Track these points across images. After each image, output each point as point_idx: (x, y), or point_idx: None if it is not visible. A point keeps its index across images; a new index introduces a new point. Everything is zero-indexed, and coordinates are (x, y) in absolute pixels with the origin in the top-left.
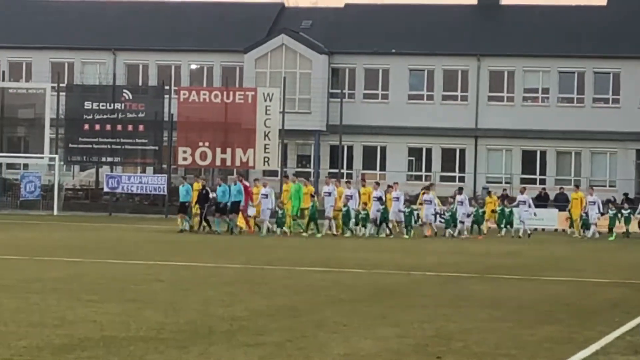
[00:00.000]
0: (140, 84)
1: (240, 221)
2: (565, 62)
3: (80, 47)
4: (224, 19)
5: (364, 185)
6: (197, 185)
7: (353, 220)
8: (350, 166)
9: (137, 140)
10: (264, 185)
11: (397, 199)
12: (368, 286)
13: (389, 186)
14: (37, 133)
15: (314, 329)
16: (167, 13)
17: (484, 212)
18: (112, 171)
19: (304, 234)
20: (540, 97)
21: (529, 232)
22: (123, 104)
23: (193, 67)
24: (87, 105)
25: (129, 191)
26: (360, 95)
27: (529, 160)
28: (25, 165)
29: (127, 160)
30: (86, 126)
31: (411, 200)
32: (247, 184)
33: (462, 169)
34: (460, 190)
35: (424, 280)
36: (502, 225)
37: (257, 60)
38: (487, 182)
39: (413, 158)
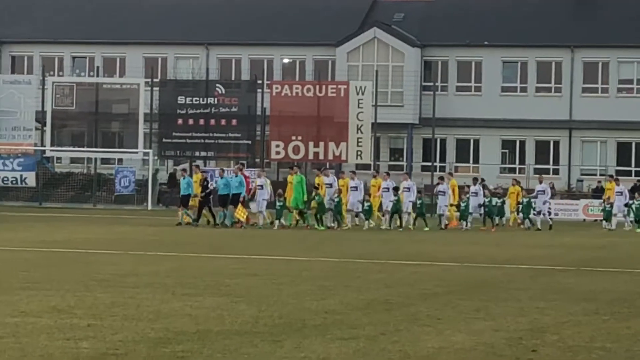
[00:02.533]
0: (233, 78)
1: (241, 214)
2: None
3: (173, 42)
4: (316, 12)
5: (374, 177)
6: (197, 177)
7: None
8: (443, 159)
9: (230, 135)
10: (259, 176)
11: (408, 189)
12: (461, 279)
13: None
14: (131, 128)
15: (408, 322)
16: (260, 7)
17: (502, 202)
18: (205, 165)
19: (318, 226)
20: (635, 87)
21: (550, 222)
22: (216, 99)
23: (285, 61)
24: (181, 100)
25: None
26: (452, 87)
27: (624, 152)
28: (120, 160)
29: (220, 155)
30: (180, 121)
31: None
32: (247, 174)
33: (556, 161)
34: (475, 180)
35: (517, 274)
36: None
37: (349, 54)
38: (582, 174)
39: (507, 151)
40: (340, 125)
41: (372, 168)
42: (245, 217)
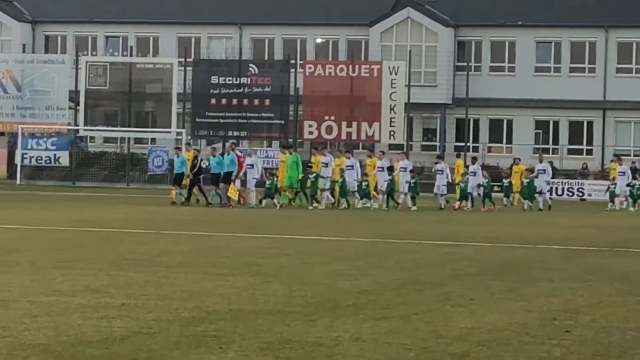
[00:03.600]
0: (266, 58)
1: (233, 193)
2: None
3: (206, 22)
4: None
5: (369, 157)
6: (189, 155)
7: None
8: (476, 139)
9: (263, 115)
10: (249, 155)
11: (404, 169)
12: (494, 260)
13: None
14: (165, 108)
15: (440, 302)
16: None
17: (509, 183)
18: (238, 145)
19: (310, 206)
20: None
21: (549, 203)
22: (249, 79)
23: (319, 40)
24: (214, 79)
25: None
26: (486, 68)
27: None
28: (153, 140)
29: (253, 135)
30: (213, 101)
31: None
32: (239, 153)
33: (589, 141)
34: (473, 160)
35: (550, 254)
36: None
37: (382, 34)
38: (615, 154)
39: (540, 131)
40: (373, 106)
41: (404, 148)
42: (237, 196)
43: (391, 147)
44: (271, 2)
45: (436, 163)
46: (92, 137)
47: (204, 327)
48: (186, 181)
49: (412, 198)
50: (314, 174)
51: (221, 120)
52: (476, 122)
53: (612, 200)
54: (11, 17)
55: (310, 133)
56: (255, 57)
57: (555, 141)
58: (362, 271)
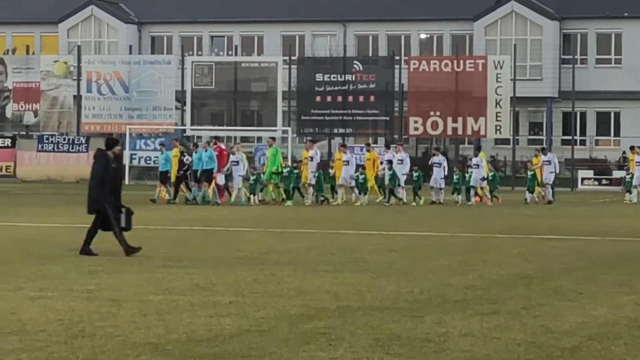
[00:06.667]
0: (370, 54)
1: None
2: None
3: (310, 20)
4: None
5: (369, 151)
6: (176, 152)
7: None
8: (583, 133)
9: (368, 111)
10: (232, 153)
11: (401, 161)
12: (604, 254)
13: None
14: (270, 106)
15: (549, 297)
16: None
17: (533, 176)
18: (343, 142)
19: (306, 202)
20: None
21: (550, 197)
22: (354, 75)
23: (423, 36)
24: (318, 77)
25: (360, 162)
26: (592, 60)
27: None
28: (259, 139)
29: (358, 132)
30: (318, 98)
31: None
32: (222, 146)
33: None
34: (478, 150)
35: None
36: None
37: (486, 28)
38: (631, 146)
39: None
40: (479, 100)
41: (511, 142)
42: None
43: (497, 141)
44: None
45: (434, 155)
46: (198, 137)
47: (312, 324)
48: (173, 178)
49: (415, 193)
50: (288, 169)
51: (326, 118)
52: (583, 115)
53: (629, 191)
54: (117, 19)
55: (416, 129)
56: (359, 54)
57: None
58: (469, 266)
